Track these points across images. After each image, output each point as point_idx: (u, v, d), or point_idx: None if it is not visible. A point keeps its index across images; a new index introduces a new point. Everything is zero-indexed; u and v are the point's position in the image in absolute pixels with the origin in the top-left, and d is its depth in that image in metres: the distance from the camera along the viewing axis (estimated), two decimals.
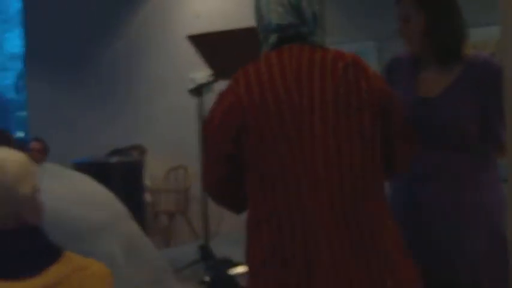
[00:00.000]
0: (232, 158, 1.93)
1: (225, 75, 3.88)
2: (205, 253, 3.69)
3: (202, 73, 3.91)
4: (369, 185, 1.87)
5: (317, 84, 1.89)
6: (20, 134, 9.51)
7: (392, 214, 1.95)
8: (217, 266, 3.50)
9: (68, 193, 2.19)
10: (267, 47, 2.02)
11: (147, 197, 6.06)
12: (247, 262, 1.95)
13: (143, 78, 6.69)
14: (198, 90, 3.95)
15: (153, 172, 6.49)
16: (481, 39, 4.43)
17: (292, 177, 1.83)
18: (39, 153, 5.93)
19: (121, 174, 4.78)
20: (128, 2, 6.98)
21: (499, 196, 2.27)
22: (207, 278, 3.34)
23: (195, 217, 5.98)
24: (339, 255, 1.80)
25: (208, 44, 3.76)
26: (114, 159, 5.14)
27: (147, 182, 6.12)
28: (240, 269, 3.34)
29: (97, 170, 4.27)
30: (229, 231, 4.80)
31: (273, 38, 2.00)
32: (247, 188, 1.93)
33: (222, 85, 4.08)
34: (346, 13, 5.72)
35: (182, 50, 3.91)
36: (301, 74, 1.91)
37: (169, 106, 6.36)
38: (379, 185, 1.94)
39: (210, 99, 3.86)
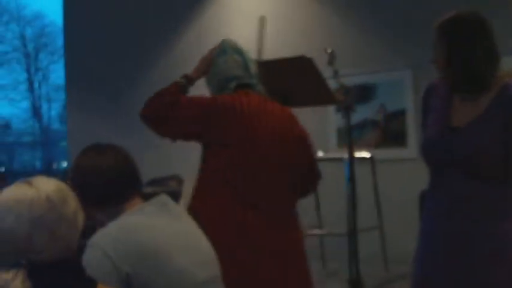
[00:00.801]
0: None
1: None
2: None
3: None
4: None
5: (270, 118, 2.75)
6: (64, 164, 9.71)
7: None
8: None
9: (177, 237, 2.09)
10: (228, 91, 2.79)
11: None
12: None
13: None
14: None
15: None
16: None
17: None
18: None
19: None
20: (165, 34, 7.11)
21: None
22: None
23: None
24: None
25: None
26: (152, 189, 5.21)
27: None
28: None
29: None
30: None
31: (233, 84, 2.80)
32: None
33: None
34: (382, 42, 5.74)
35: None
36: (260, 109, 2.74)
37: None
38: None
39: None
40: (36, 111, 28.86)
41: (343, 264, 4.43)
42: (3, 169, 22.44)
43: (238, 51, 2.89)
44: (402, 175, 5.54)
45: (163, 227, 2.06)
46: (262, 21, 4.40)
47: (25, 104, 29.39)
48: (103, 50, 7.66)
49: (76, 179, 2.20)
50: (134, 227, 2.00)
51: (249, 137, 2.67)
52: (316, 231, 5.37)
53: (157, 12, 7.24)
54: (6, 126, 29.24)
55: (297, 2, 6.30)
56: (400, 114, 5.59)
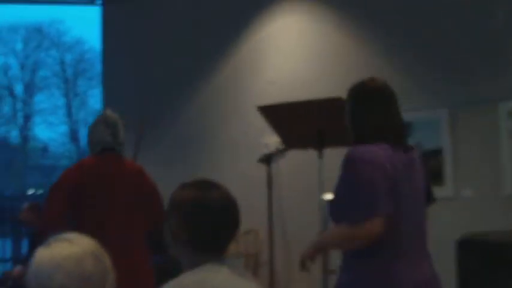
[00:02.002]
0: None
1: (293, 145, 3.98)
2: None
3: (275, 138, 4.00)
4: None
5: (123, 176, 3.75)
6: None
7: None
8: None
9: None
10: (94, 152, 3.76)
11: None
12: None
13: (215, 144, 6.80)
14: (268, 159, 4.03)
15: None
16: None
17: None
18: None
19: None
20: (201, 70, 7.14)
21: None
22: None
23: (265, 281, 5.99)
24: None
25: (276, 115, 3.84)
26: None
27: None
28: None
29: None
30: None
31: (99, 147, 3.76)
32: None
33: (292, 154, 4.14)
34: (419, 80, 5.69)
35: (254, 117, 3.99)
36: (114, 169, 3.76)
37: (240, 172, 6.39)
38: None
39: (279, 166, 3.97)
40: (73, 135, 29.25)
41: None
42: (40, 192, 22.65)
43: (109, 124, 3.83)
44: (438, 215, 5.44)
45: None
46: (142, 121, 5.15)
47: (63, 128, 29.84)
48: (141, 77, 7.72)
49: (185, 214, 1.98)
50: (214, 286, 1.87)
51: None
52: None
53: (194, 44, 7.29)
54: (45, 149, 29.70)
55: (331, 41, 6.28)
56: (437, 153, 5.52)
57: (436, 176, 5.52)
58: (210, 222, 1.94)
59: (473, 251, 3.83)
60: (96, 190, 3.62)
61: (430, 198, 2.81)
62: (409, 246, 2.56)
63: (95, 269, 1.79)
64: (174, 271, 1.97)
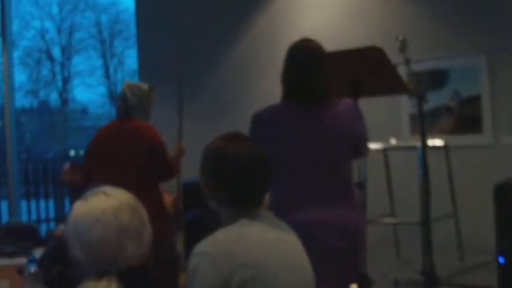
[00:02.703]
0: None
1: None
2: None
3: None
4: None
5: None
6: None
7: None
8: None
9: (287, 255, 1.93)
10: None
11: None
12: None
13: (253, 97, 6.83)
14: None
15: None
16: None
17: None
18: None
19: None
20: (234, 26, 7.13)
21: None
22: None
23: None
24: None
25: None
26: None
27: None
28: None
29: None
30: None
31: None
32: None
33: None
34: (455, 27, 5.60)
35: None
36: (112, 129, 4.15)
37: None
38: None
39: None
40: (112, 97, 29.51)
41: (417, 253, 4.40)
42: (81, 153, 23.02)
43: (121, 91, 4.21)
44: (477, 162, 5.43)
45: (276, 243, 1.91)
46: (180, 83, 5.08)
47: (102, 90, 30.12)
48: (175, 37, 7.73)
49: (216, 166, 1.98)
50: (249, 241, 1.85)
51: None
52: (390, 220, 5.33)
53: (227, 4, 7.26)
54: (84, 111, 30.05)
55: None
56: (475, 100, 5.47)
57: (474, 124, 5.48)
58: (234, 173, 1.93)
59: (510, 196, 3.82)
60: (95, 150, 4.16)
61: (358, 151, 2.93)
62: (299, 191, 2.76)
63: (132, 221, 1.82)
64: (213, 225, 1.97)
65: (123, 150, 3.97)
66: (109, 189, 1.89)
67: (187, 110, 7.44)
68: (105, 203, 1.82)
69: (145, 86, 4.28)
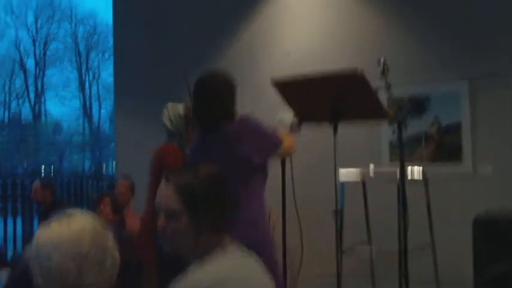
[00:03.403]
0: None
1: (307, 119, 3.86)
2: None
3: (290, 114, 3.89)
4: None
5: None
6: (114, 166, 9.73)
7: None
8: None
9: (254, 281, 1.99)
10: None
11: None
12: None
13: None
14: None
15: None
16: None
17: None
18: (127, 192, 5.99)
19: None
20: (215, 42, 7.03)
21: None
22: None
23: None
24: None
25: (290, 88, 3.73)
26: None
27: None
28: None
29: None
30: None
31: None
32: None
33: (307, 128, 4.02)
34: (437, 52, 5.54)
35: (270, 90, 3.88)
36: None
37: None
38: None
39: (296, 140, 3.85)
40: (86, 111, 29.19)
41: (393, 285, 4.28)
42: (50, 171, 22.73)
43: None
44: (457, 191, 5.35)
45: (253, 277, 1.98)
46: (184, 72, 4.78)
47: (76, 103, 29.77)
48: (152, 50, 7.62)
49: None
50: (231, 281, 1.87)
51: None
52: (366, 249, 5.20)
53: (206, 15, 7.17)
54: (57, 125, 29.68)
55: (350, 11, 6.13)
56: (455, 127, 5.39)
57: (454, 152, 5.40)
58: (225, 196, 1.99)
59: (489, 229, 3.79)
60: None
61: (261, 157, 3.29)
62: None
63: (93, 247, 1.79)
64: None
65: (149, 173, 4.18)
66: (74, 212, 1.87)
67: (157, 130, 7.30)
68: (66, 229, 1.79)
69: (181, 109, 4.32)
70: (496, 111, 5.25)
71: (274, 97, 3.99)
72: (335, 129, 3.64)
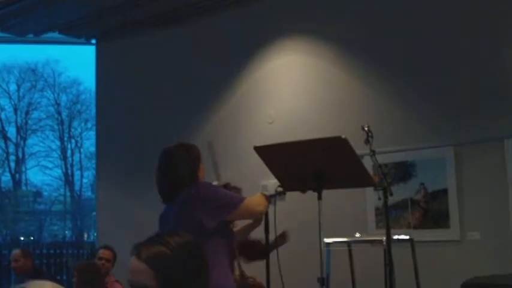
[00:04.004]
0: None
1: (291, 187, 3.81)
2: None
3: (274, 181, 3.84)
4: None
5: None
6: (94, 235, 9.57)
7: None
8: None
9: None
10: None
11: None
12: None
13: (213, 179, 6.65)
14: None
15: None
16: None
17: None
18: (107, 262, 5.86)
19: None
20: (199, 109, 7.03)
21: None
22: None
23: None
24: None
25: (273, 155, 3.69)
26: None
27: None
28: None
29: None
30: None
31: None
32: None
33: (292, 195, 3.96)
34: (422, 118, 5.55)
35: (254, 157, 3.83)
36: None
37: None
38: None
39: (281, 207, 3.79)
40: (68, 180, 28.94)
41: None
42: (32, 238, 22.36)
43: None
44: (444, 258, 5.27)
45: None
46: (210, 146, 4.44)
47: (57, 172, 29.50)
48: (135, 120, 7.60)
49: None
50: None
51: None
52: None
53: (190, 83, 7.18)
54: (37, 194, 29.32)
55: (334, 79, 6.16)
56: (442, 194, 5.35)
57: (441, 218, 5.35)
58: (205, 262, 1.94)
59: None
60: None
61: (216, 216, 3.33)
62: None
63: None
64: None
65: None
66: (32, 284, 1.87)
67: (138, 199, 7.23)
68: None
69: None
70: (482, 177, 5.22)
71: (258, 165, 3.94)
72: (319, 195, 3.59)
